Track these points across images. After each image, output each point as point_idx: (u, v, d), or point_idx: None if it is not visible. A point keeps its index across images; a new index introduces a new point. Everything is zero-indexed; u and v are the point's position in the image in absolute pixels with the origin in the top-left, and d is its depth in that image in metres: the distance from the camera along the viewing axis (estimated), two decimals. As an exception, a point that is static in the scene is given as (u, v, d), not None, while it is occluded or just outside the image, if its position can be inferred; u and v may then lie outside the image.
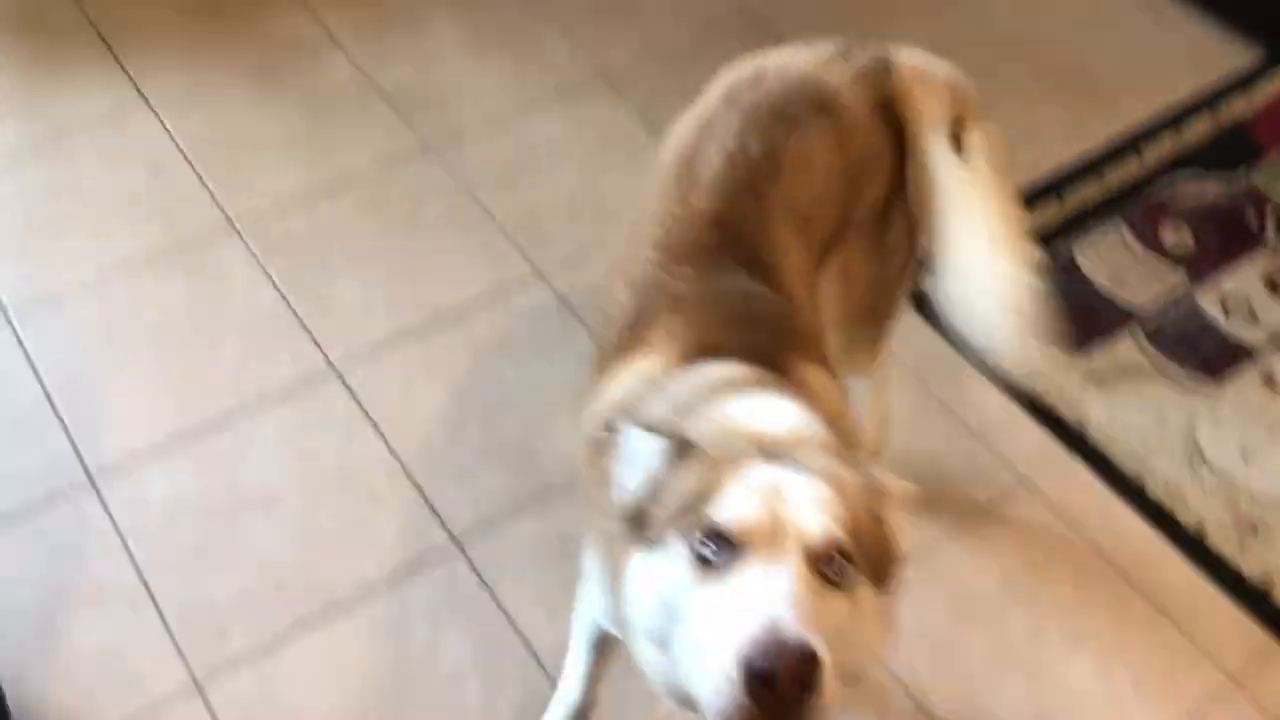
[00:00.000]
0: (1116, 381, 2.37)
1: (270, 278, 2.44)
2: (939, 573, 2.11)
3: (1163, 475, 2.23)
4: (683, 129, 1.59)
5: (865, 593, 1.05)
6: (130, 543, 2.08)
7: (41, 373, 2.28)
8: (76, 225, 2.50)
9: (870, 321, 1.85)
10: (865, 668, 1.10)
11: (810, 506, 1.02)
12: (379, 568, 2.07)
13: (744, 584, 0.99)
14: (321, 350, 2.35)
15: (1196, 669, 2.00)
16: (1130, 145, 2.75)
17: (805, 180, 1.54)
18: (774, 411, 1.20)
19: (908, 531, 1.13)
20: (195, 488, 2.16)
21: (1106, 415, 2.31)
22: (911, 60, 1.67)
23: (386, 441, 2.23)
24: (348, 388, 2.30)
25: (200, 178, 2.59)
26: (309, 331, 2.37)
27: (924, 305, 2.50)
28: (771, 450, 1.09)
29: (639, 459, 1.14)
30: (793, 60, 1.62)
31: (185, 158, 2.62)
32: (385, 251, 2.51)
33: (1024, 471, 2.25)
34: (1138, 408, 2.33)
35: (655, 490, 1.11)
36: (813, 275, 1.58)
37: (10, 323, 2.34)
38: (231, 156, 2.63)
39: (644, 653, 1.12)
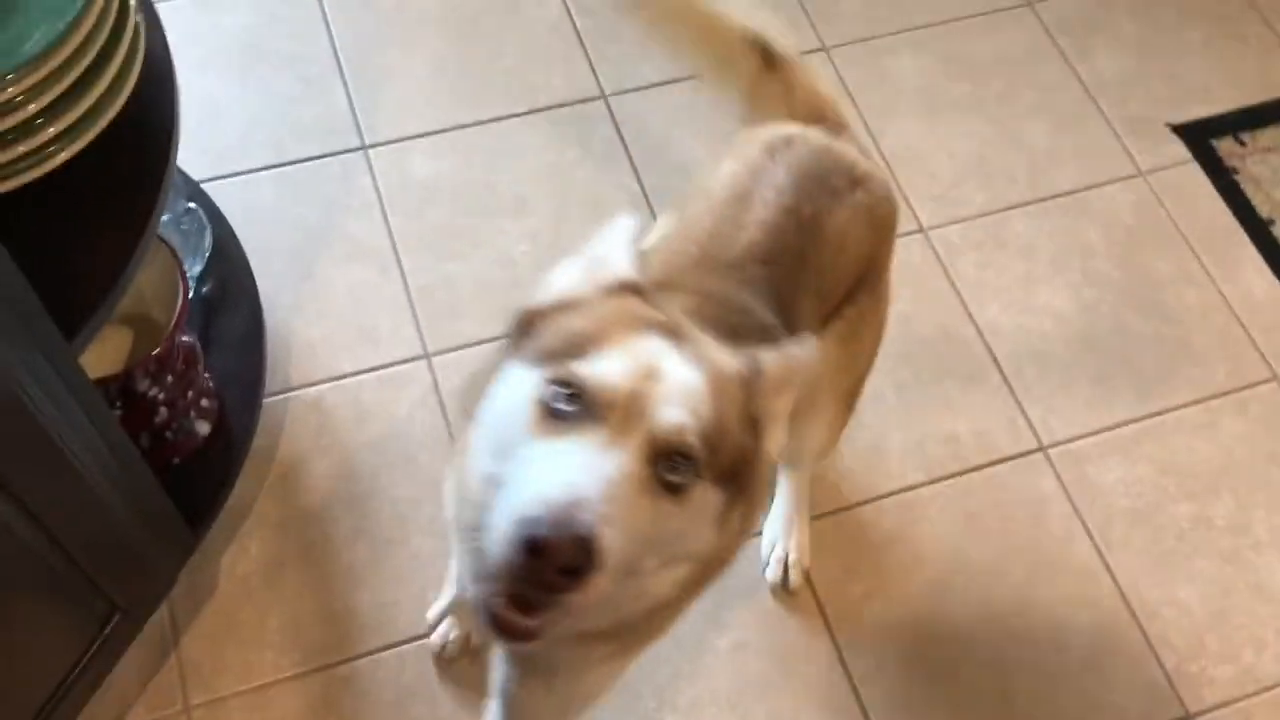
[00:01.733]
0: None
1: (561, -5, 2.46)
2: (1161, 445, 2.06)
3: None
4: (729, 170, 1.46)
5: (702, 495, 0.96)
6: (389, 212, 2.19)
7: (335, 37, 2.37)
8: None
9: (844, 400, 1.67)
10: (677, 562, 1.02)
11: (675, 396, 0.93)
12: (608, 294, 2.13)
13: (574, 450, 0.90)
14: (595, 77, 2.37)
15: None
16: None
17: (837, 257, 1.44)
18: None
19: (779, 431, 1.06)
20: (455, 177, 2.24)
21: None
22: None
23: (639, 178, 2.27)
24: (613, 119, 2.33)
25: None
26: (588, 56, 2.39)
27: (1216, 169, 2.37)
28: (670, 327, 1.00)
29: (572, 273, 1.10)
30: (809, 131, 1.50)
31: None
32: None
33: (1276, 366, 2.15)
34: None
35: (557, 308, 1.05)
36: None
37: (314, -15, 2.44)
38: None
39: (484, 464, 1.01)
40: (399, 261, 2.14)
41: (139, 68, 1.36)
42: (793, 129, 1.53)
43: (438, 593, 1.80)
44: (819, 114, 1.55)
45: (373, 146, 2.26)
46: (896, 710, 1.80)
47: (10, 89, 1.19)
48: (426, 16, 2.42)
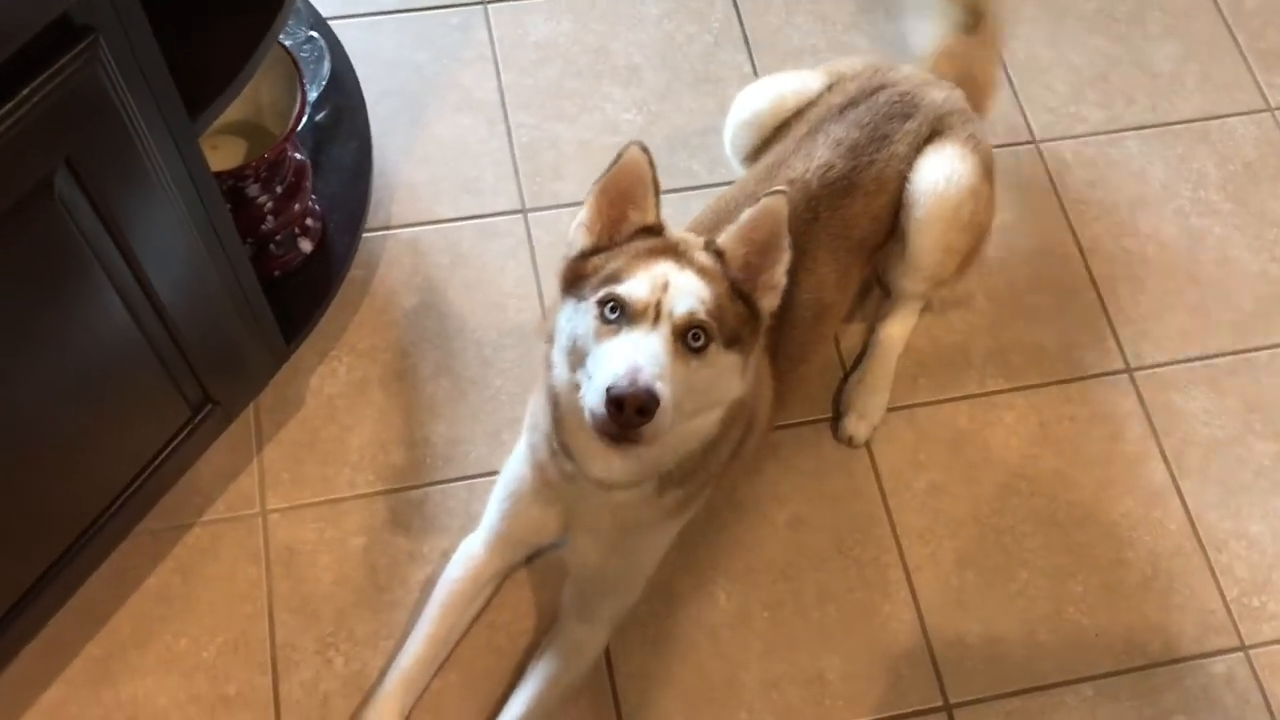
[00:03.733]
0: None
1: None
2: (1252, 381, 2.03)
3: None
4: (791, 142, 1.80)
5: (717, 353, 1.38)
6: (502, 68, 2.22)
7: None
8: None
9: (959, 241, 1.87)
10: (714, 406, 1.45)
11: (682, 295, 1.35)
12: (710, 169, 2.14)
13: (627, 340, 1.34)
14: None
15: None
16: None
17: (870, 203, 1.78)
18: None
19: (772, 298, 1.46)
20: (571, 40, 2.26)
21: None
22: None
23: (752, 59, 2.26)
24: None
25: None
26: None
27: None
28: (677, 249, 1.42)
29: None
30: (907, 79, 1.86)
31: None
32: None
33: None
34: None
35: (592, 254, 1.45)
36: (848, 281, 1.84)
37: None
38: None
39: (563, 373, 1.44)
40: (506, 117, 2.17)
41: None
42: (896, 76, 1.85)
43: (510, 435, 1.86)
44: (971, 87, 1.93)
45: (493, 1, 2.28)
46: (948, 603, 1.82)
47: None
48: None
